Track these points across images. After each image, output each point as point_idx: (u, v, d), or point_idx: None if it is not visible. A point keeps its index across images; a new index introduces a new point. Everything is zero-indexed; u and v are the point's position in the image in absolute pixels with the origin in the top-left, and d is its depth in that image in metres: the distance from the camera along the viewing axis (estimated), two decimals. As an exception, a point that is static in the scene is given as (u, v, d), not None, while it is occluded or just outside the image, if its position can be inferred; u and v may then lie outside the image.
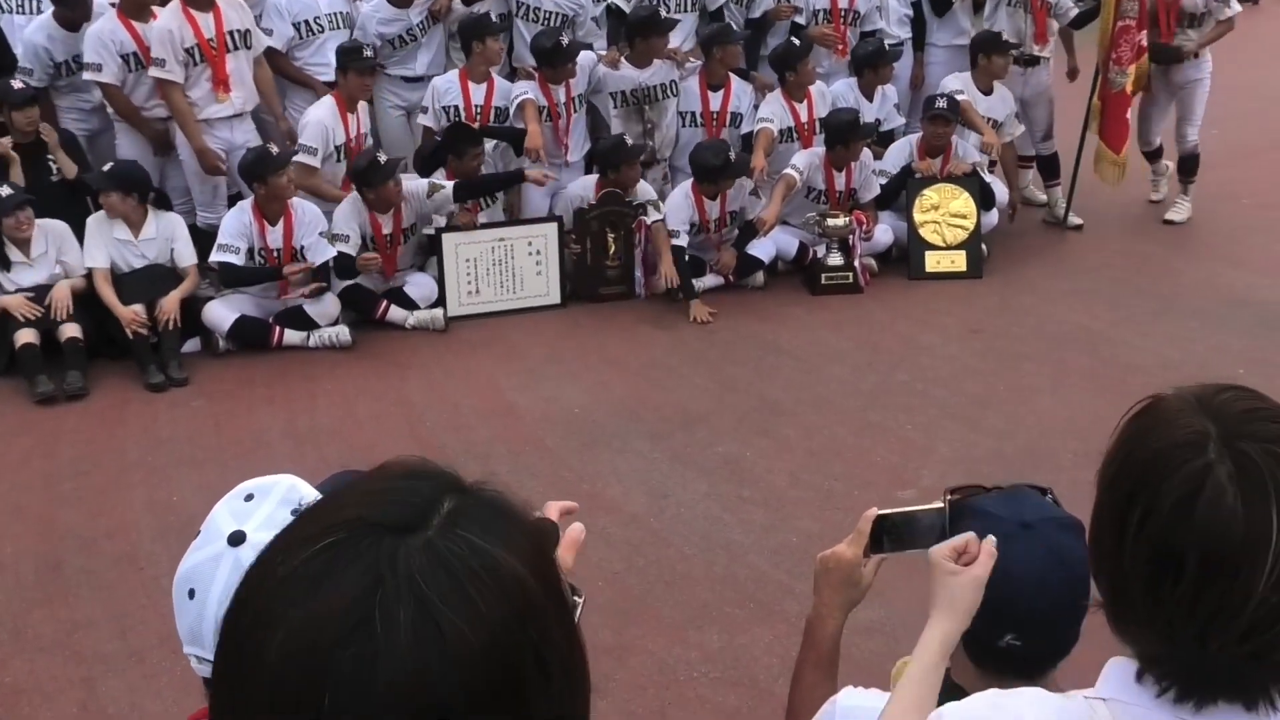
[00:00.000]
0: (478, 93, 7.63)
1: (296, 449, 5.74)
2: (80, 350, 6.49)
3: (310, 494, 1.52)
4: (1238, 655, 1.20)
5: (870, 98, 8.20)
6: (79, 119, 7.46)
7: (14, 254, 6.67)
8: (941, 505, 1.80)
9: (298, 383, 6.50)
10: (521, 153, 7.56)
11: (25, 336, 6.44)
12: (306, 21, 7.75)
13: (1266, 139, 10.22)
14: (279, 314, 6.93)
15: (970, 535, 1.60)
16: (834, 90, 8.15)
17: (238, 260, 6.80)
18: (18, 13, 7.51)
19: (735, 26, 8.28)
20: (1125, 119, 8.33)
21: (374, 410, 6.16)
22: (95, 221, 6.77)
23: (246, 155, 6.86)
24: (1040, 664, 1.63)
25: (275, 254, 6.87)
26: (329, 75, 7.58)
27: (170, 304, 6.67)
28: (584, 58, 7.87)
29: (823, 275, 7.55)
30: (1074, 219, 8.54)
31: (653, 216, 7.42)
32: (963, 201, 7.78)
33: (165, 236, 6.85)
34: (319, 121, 7.27)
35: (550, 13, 7.97)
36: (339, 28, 7.84)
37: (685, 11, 8.29)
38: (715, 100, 8.03)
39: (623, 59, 7.89)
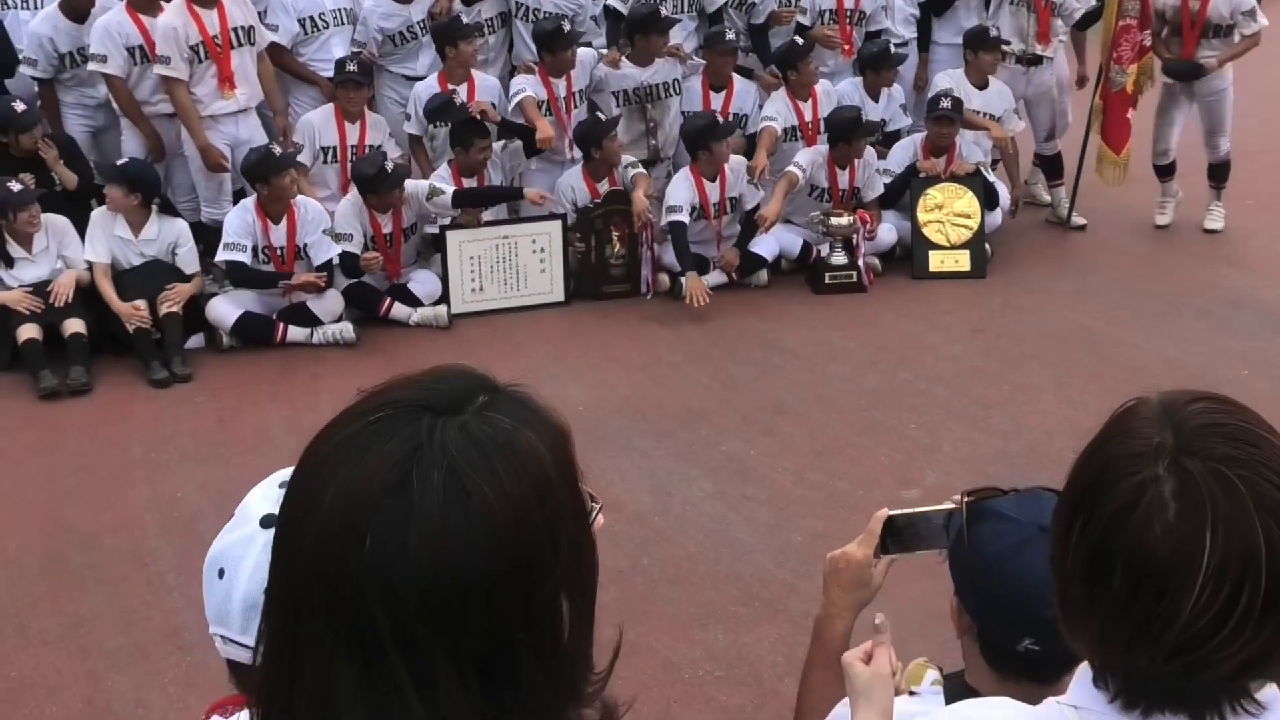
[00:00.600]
0: (459, 94, 7.63)
1: (300, 446, 5.60)
2: (84, 345, 6.49)
3: None
4: (1166, 672, 1.18)
5: (876, 98, 8.20)
6: (83, 115, 7.46)
7: (16, 250, 6.67)
8: (952, 506, 1.80)
9: (301, 379, 6.50)
10: (532, 154, 7.58)
11: (28, 331, 6.44)
12: (311, 17, 7.75)
13: (1269, 140, 10.21)
14: (283, 310, 6.93)
15: (872, 641, 1.71)
16: (839, 90, 8.14)
17: (245, 258, 6.80)
18: (21, 8, 7.51)
19: (734, 31, 8.28)
20: (1126, 119, 8.30)
21: (378, 407, 6.15)
22: (98, 216, 6.78)
23: (249, 156, 6.85)
24: (1058, 668, 1.63)
25: (279, 252, 6.87)
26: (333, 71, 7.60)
27: (181, 292, 6.68)
28: (585, 54, 7.87)
29: (826, 274, 7.56)
30: (1077, 219, 8.53)
31: (631, 172, 7.47)
32: (966, 201, 7.78)
33: (167, 241, 6.85)
34: (307, 122, 7.55)
35: (549, 13, 7.96)
36: (344, 23, 7.84)
37: (683, 13, 8.28)
38: (717, 101, 8.01)
39: (624, 58, 7.89)
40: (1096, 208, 8.58)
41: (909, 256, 7.86)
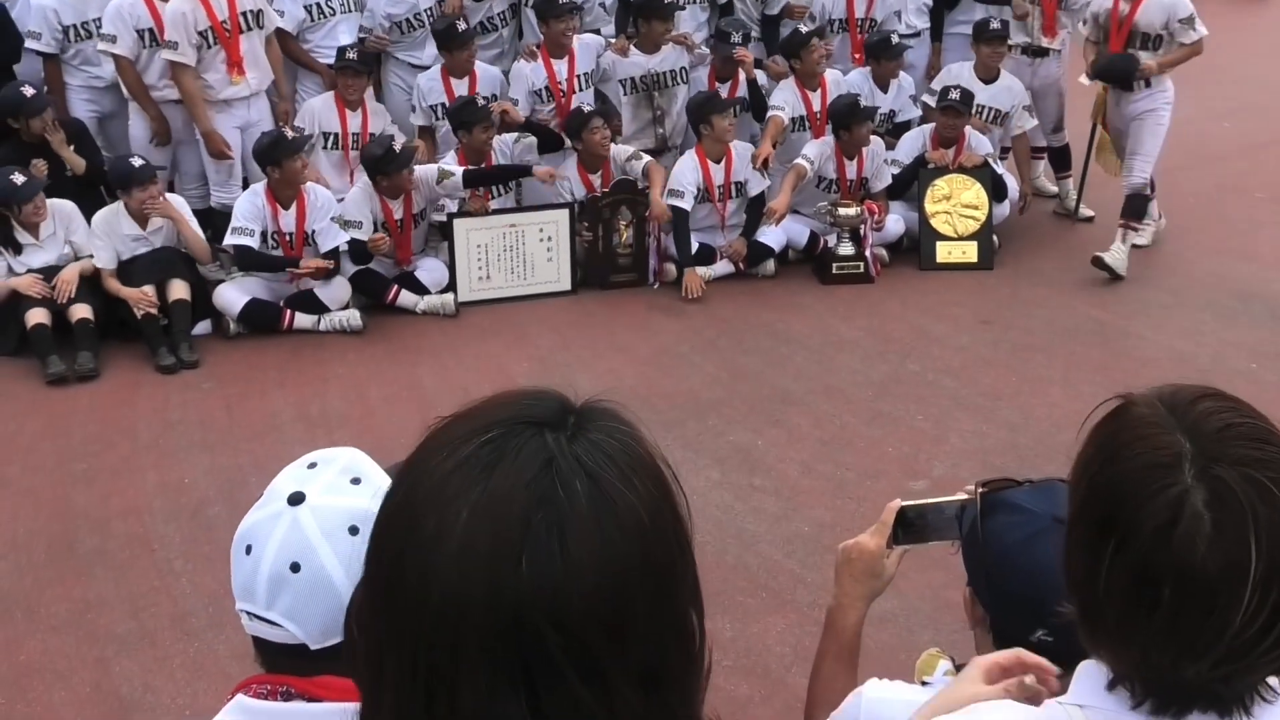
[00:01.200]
0: (460, 87, 7.64)
1: (308, 432, 5.74)
2: (91, 331, 6.49)
3: (370, 467, 1.56)
4: (1210, 679, 1.18)
5: (884, 88, 8.17)
6: (90, 99, 7.45)
7: (23, 237, 6.67)
8: (964, 497, 1.80)
9: (309, 366, 6.51)
10: (545, 151, 7.62)
11: (36, 317, 6.44)
12: (318, 3, 7.74)
13: (1278, 131, 10.18)
14: (290, 297, 6.93)
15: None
16: (848, 80, 8.12)
17: (253, 243, 6.80)
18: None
19: (747, 19, 8.25)
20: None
21: (385, 394, 6.17)
22: (101, 219, 6.73)
23: (261, 139, 6.85)
24: (1071, 659, 1.63)
25: (288, 238, 6.88)
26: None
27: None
28: (592, 41, 7.87)
29: (834, 265, 7.54)
30: (1085, 211, 8.50)
31: (641, 163, 7.46)
32: (974, 192, 7.76)
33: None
34: (309, 108, 7.54)
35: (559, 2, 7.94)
36: (350, 10, 7.83)
37: (694, 2, 8.26)
38: (723, 92, 7.97)
39: (631, 46, 7.88)
40: (1104, 199, 8.55)
41: (916, 247, 7.84)
